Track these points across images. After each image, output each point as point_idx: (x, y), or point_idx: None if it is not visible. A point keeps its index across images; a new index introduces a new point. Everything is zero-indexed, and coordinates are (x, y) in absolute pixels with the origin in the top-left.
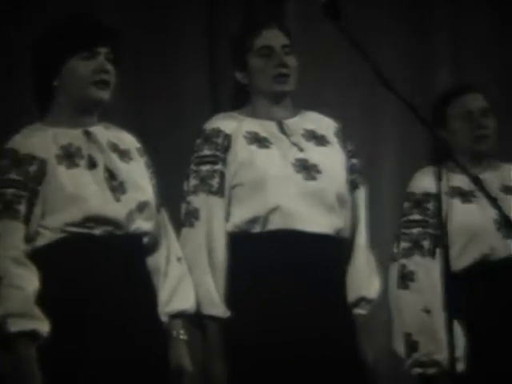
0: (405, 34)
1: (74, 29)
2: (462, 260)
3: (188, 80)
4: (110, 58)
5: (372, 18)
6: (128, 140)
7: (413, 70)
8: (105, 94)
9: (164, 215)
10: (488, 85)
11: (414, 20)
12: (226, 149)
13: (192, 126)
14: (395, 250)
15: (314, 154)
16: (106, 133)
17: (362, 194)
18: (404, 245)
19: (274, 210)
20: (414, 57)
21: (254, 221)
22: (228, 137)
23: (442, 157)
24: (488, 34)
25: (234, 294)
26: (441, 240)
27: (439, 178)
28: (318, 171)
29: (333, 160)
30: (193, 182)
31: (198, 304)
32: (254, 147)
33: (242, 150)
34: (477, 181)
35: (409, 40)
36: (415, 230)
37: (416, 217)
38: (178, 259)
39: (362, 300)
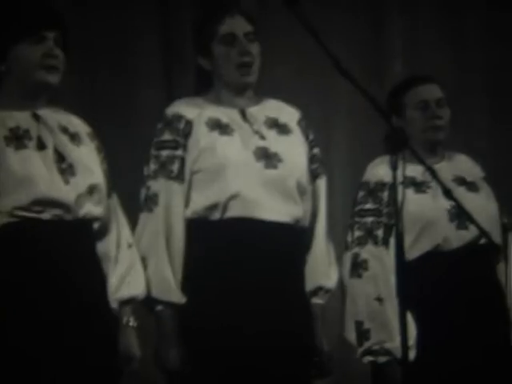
0: (359, 25)
1: (20, 13)
2: (414, 249)
3: (142, 64)
4: (58, 42)
5: (327, 10)
6: (78, 124)
7: (366, 61)
8: (53, 78)
9: (115, 200)
10: (439, 76)
11: (367, 10)
12: (187, 134)
13: (146, 111)
14: (349, 239)
15: (275, 142)
16: (55, 116)
17: (322, 184)
18: (357, 234)
19: (233, 197)
20: (367, 48)
21: (213, 208)
22: (189, 122)
23: (397, 146)
24: (440, 25)
25: (190, 280)
26: (394, 229)
27: (395, 168)
28: (279, 160)
29: (294, 149)
30: (152, 166)
31: (154, 289)
32: (215, 134)
33: (203, 136)
34: (432, 171)
35: (363, 31)
36: (369, 219)
37: (370, 206)
38: (129, 245)
39: (320, 289)
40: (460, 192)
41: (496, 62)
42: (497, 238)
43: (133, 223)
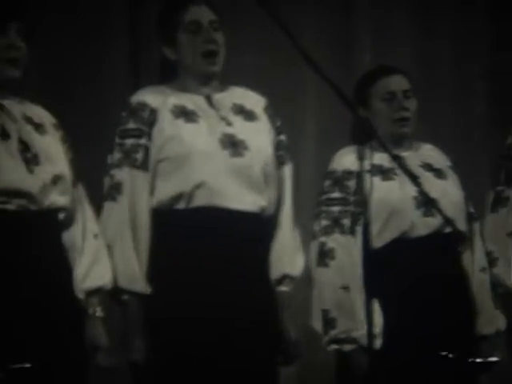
0: (328, 16)
1: None
2: (381, 237)
3: (109, 52)
4: (21, 33)
5: (296, 2)
6: (43, 114)
7: (336, 52)
8: (14, 72)
9: (81, 190)
10: (408, 68)
11: (337, 2)
12: (152, 123)
13: (113, 99)
14: (315, 228)
15: (241, 129)
16: (19, 106)
17: (288, 171)
18: (324, 223)
19: (198, 186)
20: (337, 39)
21: (178, 197)
22: (154, 111)
23: (363, 136)
24: (410, 17)
25: (156, 270)
26: (361, 218)
27: (361, 158)
28: (245, 147)
29: (260, 136)
30: (117, 155)
31: (119, 279)
32: (180, 121)
33: (167, 124)
34: (397, 159)
35: (332, 22)
36: (335, 208)
37: (336, 195)
38: (95, 235)
39: (285, 277)
40: (428, 177)
41: (465, 55)
42: (462, 226)
43: (99, 213)
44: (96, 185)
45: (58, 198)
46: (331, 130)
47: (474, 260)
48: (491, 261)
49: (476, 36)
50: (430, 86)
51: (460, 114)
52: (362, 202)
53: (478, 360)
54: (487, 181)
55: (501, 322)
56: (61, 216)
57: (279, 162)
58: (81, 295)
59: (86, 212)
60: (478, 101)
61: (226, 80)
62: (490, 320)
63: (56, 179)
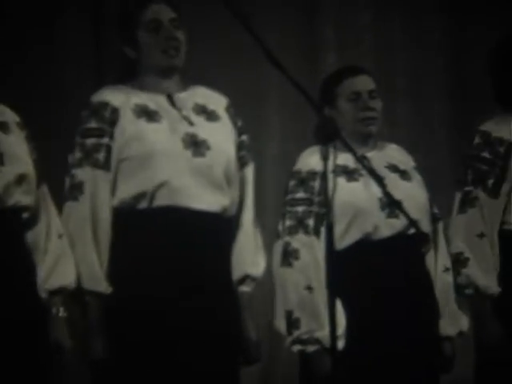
0: (293, 16)
1: None
2: (345, 238)
3: (72, 51)
4: None
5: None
6: (7, 113)
7: (300, 52)
8: None
9: (45, 190)
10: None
11: (301, 1)
12: (114, 122)
13: (76, 99)
14: (280, 228)
15: (203, 128)
16: None
17: (250, 171)
18: (288, 223)
19: (160, 185)
20: (301, 39)
21: (140, 196)
22: (116, 110)
23: (328, 136)
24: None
25: (117, 270)
26: (325, 218)
27: (325, 158)
28: (207, 147)
29: (222, 136)
30: (78, 154)
31: (80, 279)
32: (142, 121)
33: (129, 123)
34: (362, 160)
35: (297, 21)
36: (300, 208)
37: (301, 195)
38: (59, 235)
39: (246, 277)
40: (393, 179)
41: (422, 52)
42: (426, 227)
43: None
44: (59, 184)
45: (21, 198)
46: (296, 129)
47: (436, 261)
48: (462, 261)
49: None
50: (392, 85)
51: (420, 113)
52: (325, 202)
53: (440, 361)
54: (450, 180)
55: (464, 323)
56: (24, 216)
57: (241, 163)
58: (44, 295)
59: (50, 212)
60: (439, 98)
61: (189, 78)
62: (453, 321)
63: (20, 179)
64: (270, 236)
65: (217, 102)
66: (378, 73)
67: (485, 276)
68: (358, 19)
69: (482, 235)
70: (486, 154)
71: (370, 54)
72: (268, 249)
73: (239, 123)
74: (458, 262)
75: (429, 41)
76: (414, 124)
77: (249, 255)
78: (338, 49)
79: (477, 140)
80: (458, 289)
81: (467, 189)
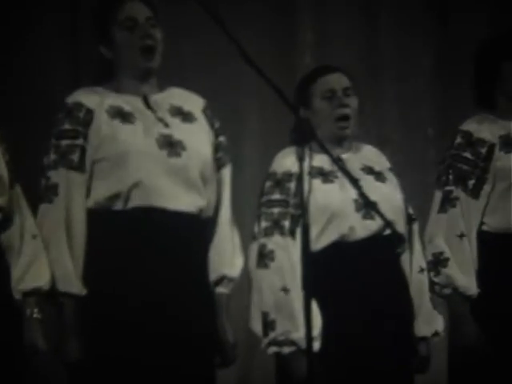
0: (269, 16)
1: None
2: (321, 240)
3: (47, 52)
4: None
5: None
6: None
7: (277, 53)
8: None
9: (18, 191)
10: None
11: (278, 1)
12: (88, 123)
13: (51, 99)
14: (255, 230)
15: (179, 130)
16: None
17: (227, 173)
18: (264, 224)
19: (135, 186)
20: (277, 39)
21: (115, 197)
22: (90, 111)
23: (304, 137)
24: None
25: (92, 271)
26: (301, 220)
27: (301, 159)
28: (183, 148)
29: (199, 137)
30: (53, 156)
31: (55, 281)
32: (116, 122)
33: (104, 124)
34: (338, 161)
35: (273, 21)
36: (276, 210)
37: (277, 196)
38: (33, 236)
39: (223, 278)
40: (368, 181)
41: (406, 53)
42: (402, 228)
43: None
44: (34, 186)
45: None
46: (274, 130)
47: (412, 261)
48: (442, 261)
49: (420, 35)
50: (373, 85)
51: (405, 113)
52: (301, 203)
53: (416, 361)
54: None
55: (439, 324)
56: None
57: (219, 164)
58: (18, 296)
59: (23, 213)
60: (423, 98)
61: (166, 78)
62: (428, 321)
63: None
64: (247, 237)
65: (193, 103)
66: (361, 74)
67: (464, 277)
68: (336, 20)
69: (462, 235)
70: (467, 155)
71: (352, 55)
72: (246, 250)
73: (216, 125)
74: (438, 261)
75: (414, 42)
76: (400, 124)
77: (226, 256)
78: (315, 49)
79: (458, 140)
80: (436, 288)
81: (448, 188)
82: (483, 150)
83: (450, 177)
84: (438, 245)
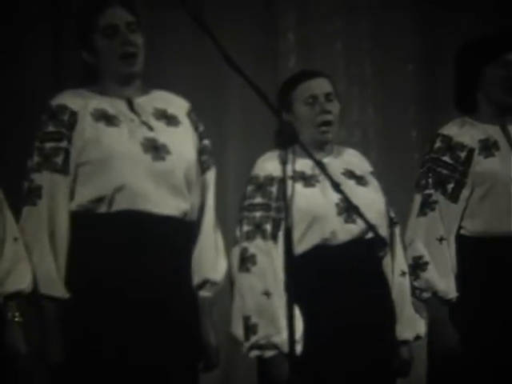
0: (252, 20)
1: None
2: (303, 243)
3: (30, 54)
4: None
5: (220, 4)
6: None
7: (260, 56)
8: None
9: (0, 195)
10: (334, 72)
11: (260, 5)
12: (72, 126)
13: (34, 102)
14: (237, 234)
15: (163, 133)
16: None
17: (211, 176)
18: (246, 228)
19: (119, 189)
20: (261, 42)
21: (99, 200)
22: (74, 114)
23: (287, 140)
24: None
25: (75, 275)
26: (284, 223)
27: (284, 162)
28: (167, 152)
29: (183, 141)
30: (36, 159)
31: (37, 284)
32: (101, 125)
33: (88, 127)
34: (320, 165)
35: (256, 25)
36: (257, 214)
37: (258, 200)
38: (15, 239)
39: (206, 282)
40: (349, 185)
41: (389, 56)
42: (384, 231)
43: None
44: (16, 189)
45: None
46: (258, 133)
47: (393, 265)
48: (421, 265)
49: (404, 38)
50: (357, 89)
51: (390, 115)
52: (283, 207)
53: (397, 364)
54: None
55: (420, 327)
56: None
57: (203, 167)
58: None
59: (5, 216)
60: (408, 101)
61: (150, 81)
62: (410, 325)
63: None
64: (231, 241)
65: (178, 106)
66: (345, 78)
67: (443, 281)
68: (321, 23)
69: (441, 239)
70: (446, 159)
71: (337, 59)
72: (229, 253)
73: (200, 128)
74: (418, 265)
75: (397, 45)
76: (385, 128)
77: (209, 260)
78: (298, 53)
79: (438, 144)
80: (416, 292)
81: (427, 192)
82: (462, 155)
83: (430, 180)
84: (418, 249)
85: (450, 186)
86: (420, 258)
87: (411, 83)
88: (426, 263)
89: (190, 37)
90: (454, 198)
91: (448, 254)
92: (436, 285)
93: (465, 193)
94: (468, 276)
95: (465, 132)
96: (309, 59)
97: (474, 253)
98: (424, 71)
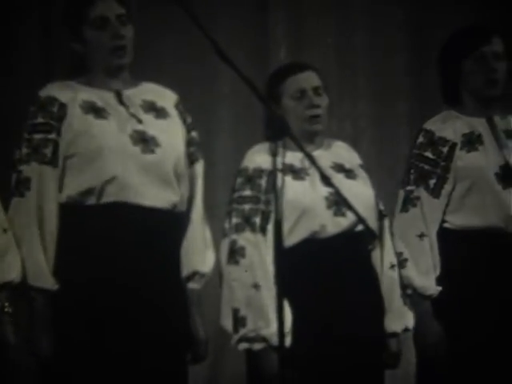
0: (243, 11)
1: None
2: (291, 237)
3: (20, 47)
4: None
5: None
6: None
7: (251, 48)
8: None
9: None
10: (323, 65)
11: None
12: (61, 118)
13: (24, 93)
14: (226, 226)
15: (152, 126)
16: None
17: (199, 168)
18: (235, 220)
19: (109, 181)
20: (252, 34)
21: (88, 192)
22: (63, 105)
23: (277, 133)
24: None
25: (64, 266)
26: (272, 216)
27: (274, 155)
28: (157, 144)
29: (172, 133)
30: (25, 150)
31: (26, 275)
32: (90, 117)
33: (77, 119)
34: (310, 158)
35: (247, 16)
36: (247, 206)
37: (248, 193)
38: (4, 230)
39: (195, 274)
40: (339, 179)
41: (380, 48)
42: (373, 224)
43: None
44: (4, 179)
45: None
46: (247, 125)
47: (382, 258)
48: (400, 262)
49: (395, 31)
50: (348, 81)
51: (382, 110)
52: (273, 200)
53: (386, 357)
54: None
55: (409, 320)
56: None
57: (191, 159)
58: None
59: None
60: (400, 96)
61: (139, 73)
62: (399, 317)
63: None
64: (219, 233)
65: (166, 98)
66: (336, 70)
67: (422, 277)
68: (311, 15)
69: (422, 235)
70: (428, 154)
71: (327, 50)
72: (218, 246)
73: (188, 120)
74: (399, 262)
75: (389, 37)
76: (376, 124)
77: (197, 252)
78: (289, 45)
79: (420, 139)
80: (402, 288)
81: (409, 188)
82: (444, 150)
83: (412, 176)
84: (398, 245)
85: (432, 182)
86: (400, 254)
87: (402, 75)
88: (405, 260)
89: (181, 28)
90: (436, 193)
91: (428, 249)
92: (414, 281)
93: (447, 188)
94: (453, 270)
95: (448, 126)
96: (300, 51)
97: (459, 246)
98: (415, 62)
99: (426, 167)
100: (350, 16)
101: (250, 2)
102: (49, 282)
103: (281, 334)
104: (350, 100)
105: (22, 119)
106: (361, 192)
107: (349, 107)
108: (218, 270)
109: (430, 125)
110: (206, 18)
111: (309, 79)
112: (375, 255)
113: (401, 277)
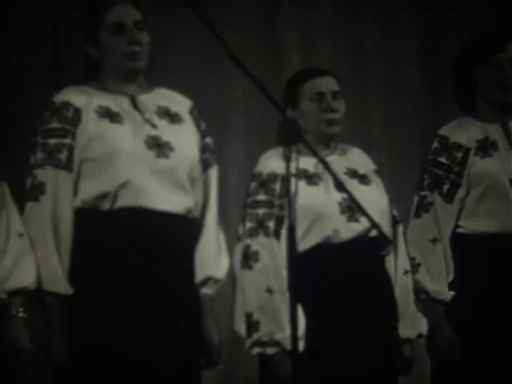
0: (255, 16)
1: None
2: (305, 241)
3: (31, 51)
4: None
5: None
6: None
7: (264, 52)
8: None
9: (5, 190)
10: (335, 69)
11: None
12: (76, 122)
13: (35, 98)
14: (240, 231)
15: (167, 131)
16: None
17: (214, 174)
18: (249, 225)
19: (123, 186)
20: (264, 39)
21: (103, 197)
22: (78, 110)
23: (291, 138)
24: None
25: (79, 271)
26: (286, 221)
27: (288, 160)
28: (171, 149)
29: (186, 138)
30: (40, 155)
31: (41, 280)
32: (105, 121)
33: (92, 124)
34: (324, 163)
35: (259, 21)
36: (260, 211)
37: (262, 197)
38: (20, 235)
39: (209, 279)
40: (352, 185)
41: (391, 55)
42: (386, 230)
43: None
44: (20, 184)
45: None
46: (260, 130)
47: (396, 263)
48: (413, 267)
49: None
50: (359, 86)
51: (388, 115)
52: (286, 205)
53: (400, 362)
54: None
55: (423, 326)
56: None
57: (205, 165)
58: (3, 295)
59: (10, 211)
60: (409, 99)
61: (153, 78)
62: (413, 323)
63: None
64: (233, 238)
65: (180, 104)
66: (349, 76)
67: (435, 282)
68: (322, 20)
69: (434, 240)
70: (442, 159)
71: (339, 56)
72: (231, 251)
73: (203, 125)
74: (412, 267)
75: (400, 43)
76: (387, 127)
77: (211, 257)
78: (301, 50)
79: (435, 144)
80: (415, 293)
81: (423, 193)
82: (458, 155)
83: (425, 182)
84: (411, 250)
85: (446, 187)
86: (413, 259)
87: (412, 80)
88: (418, 265)
89: (194, 34)
90: (449, 198)
91: (441, 254)
92: (427, 286)
93: (460, 193)
94: (467, 274)
95: (462, 132)
96: (311, 56)
97: (473, 251)
98: (426, 68)
99: (440, 172)
100: (361, 22)
101: (261, 9)
102: (63, 287)
103: (294, 338)
104: (360, 104)
105: (33, 124)
106: (374, 198)
107: (360, 112)
108: (231, 275)
109: (444, 131)
110: (218, 24)
111: (328, 83)
112: (389, 261)
113: (414, 282)
